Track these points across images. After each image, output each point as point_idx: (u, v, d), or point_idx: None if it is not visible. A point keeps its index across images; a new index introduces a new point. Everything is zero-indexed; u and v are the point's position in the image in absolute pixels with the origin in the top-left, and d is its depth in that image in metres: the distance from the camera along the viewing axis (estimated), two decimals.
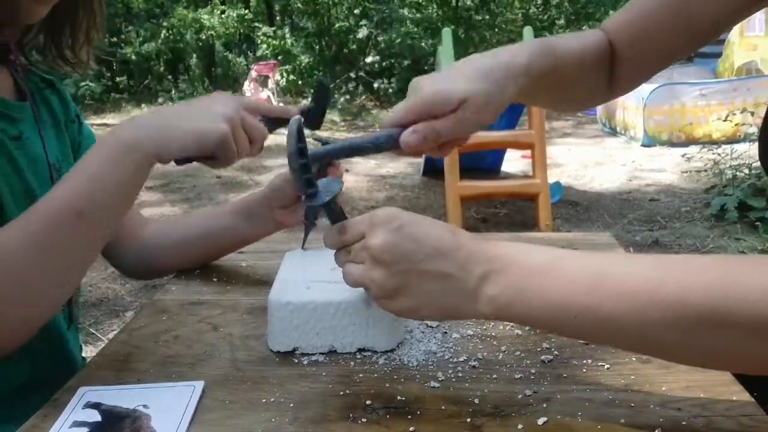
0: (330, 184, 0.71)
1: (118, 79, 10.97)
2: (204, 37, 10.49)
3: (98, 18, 0.91)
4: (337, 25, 10.66)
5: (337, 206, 0.69)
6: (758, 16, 6.32)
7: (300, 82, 10.13)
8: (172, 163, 0.76)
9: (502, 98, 0.71)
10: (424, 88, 0.71)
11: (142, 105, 9.12)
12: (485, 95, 0.70)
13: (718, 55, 7.17)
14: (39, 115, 0.89)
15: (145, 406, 0.63)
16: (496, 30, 11.83)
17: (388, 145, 0.71)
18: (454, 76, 0.71)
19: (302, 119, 0.67)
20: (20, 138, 0.84)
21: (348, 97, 9.85)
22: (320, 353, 0.74)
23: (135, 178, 0.73)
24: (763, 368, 0.52)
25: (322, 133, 0.96)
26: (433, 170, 4.72)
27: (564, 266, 0.57)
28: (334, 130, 7.90)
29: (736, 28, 6.71)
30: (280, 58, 9.94)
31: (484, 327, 0.80)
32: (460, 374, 0.69)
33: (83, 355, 0.99)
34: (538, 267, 0.57)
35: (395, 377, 0.69)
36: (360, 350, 0.74)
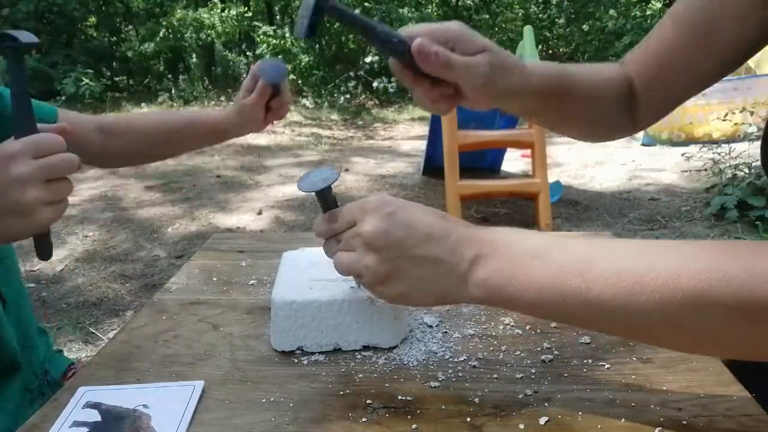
0: (326, 172, 0.70)
1: (117, 78, 10.97)
2: (204, 36, 10.48)
3: None
4: (336, 25, 10.65)
5: (330, 195, 0.68)
6: None
7: (300, 82, 10.13)
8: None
9: (505, 79, 0.71)
10: (449, 23, 0.71)
11: (142, 104, 9.11)
12: (503, 59, 0.71)
13: None
14: None
15: (145, 406, 0.63)
16: (496, 30, 11.83)
17: (398, 46, 0.68)
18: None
19: None
20: None
21: (348, 96, 9.85)
22: (321, 352, 0.74)
23: None
24: (750, 352, 0.52)
25: None
26: (433, 169, 4.72)
27: (554, 250, 0.57)
28: (335, 129, 7.89)
29: None
30: (280, 57, 9.94)
31: (485, 326, 0.80)
32: (460, 374, 0.69)
33: (84, 354, 0.99)
34: (529, 251, 0.58)
35: (395, 377, 0.69)
36: (364, 347, 0.74)
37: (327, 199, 0.68)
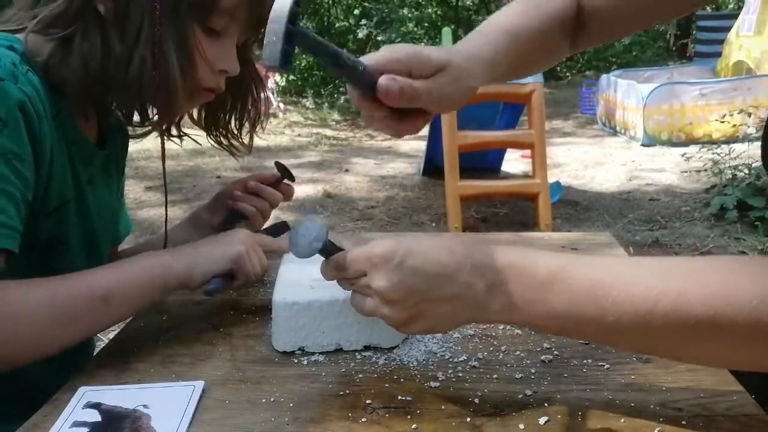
0: (311, 229, 0.65)
1: None
2: None
3: (261, 107, 0.96)
4: (337, 25, 10.66)
5: (328, 246, 0.65)
6: (750, 16, 6.31)
7: (300, 83, 10.13)
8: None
9: (471, 81, 0.72)
10: (403, 47, 0.69)
11: None
12: (460, 70, 0.71)
13: (718, 54, 7.17)
14: (111, 163, 0.95)
15: (145, 406, 0.63)
16: None
17: (364, 77, 0.66)
18: (431, 48, 0.71)
19: None
20: (91, 182, 0.88)
21: (348, 96, 9.86)
22: (322, 353, 0.74)
23: (153, 296, 0.80)
24: (761, 366, 0.54)
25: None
26: (433, 170, 4.71)
27: (567, 277, 0.57)
28: (336, 129, 7.90)
29: (733, 29, 6.71)
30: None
31: (484, 327, 0.80)
32: (460, 374, 0.69)
33: None
34: (542, 279, 0.58)
35: (395, 377, 0.69)
36: (365, 347, 0.74)
37: (327, 252, 0.65)
